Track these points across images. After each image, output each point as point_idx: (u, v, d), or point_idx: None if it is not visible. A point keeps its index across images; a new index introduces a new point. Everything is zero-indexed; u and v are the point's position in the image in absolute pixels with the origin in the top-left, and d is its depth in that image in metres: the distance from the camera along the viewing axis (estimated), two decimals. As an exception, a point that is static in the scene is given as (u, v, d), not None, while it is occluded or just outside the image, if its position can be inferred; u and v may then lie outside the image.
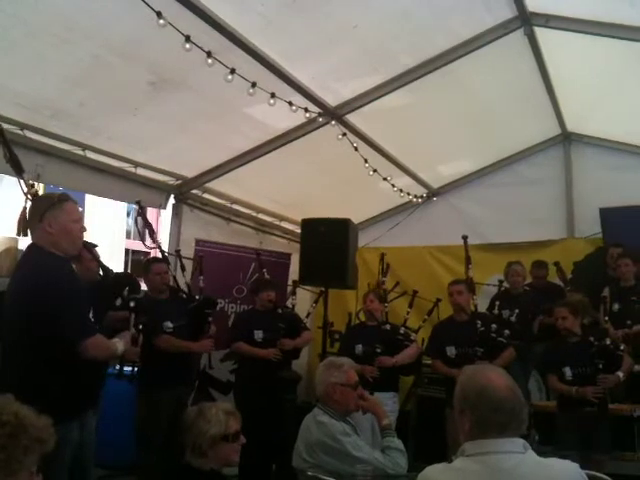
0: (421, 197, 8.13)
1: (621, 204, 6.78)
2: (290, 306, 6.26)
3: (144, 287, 5.25)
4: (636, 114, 6.25)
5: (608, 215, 6.89)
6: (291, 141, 5.97)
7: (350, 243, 6.31)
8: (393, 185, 7.23)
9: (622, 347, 5.08)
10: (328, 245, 6.13)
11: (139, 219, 5.67)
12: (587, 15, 4.79)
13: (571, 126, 7.38)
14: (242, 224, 7.25)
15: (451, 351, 5.45)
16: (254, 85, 4.62)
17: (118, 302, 4.18)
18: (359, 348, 5.58)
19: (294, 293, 6.47)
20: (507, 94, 6.20)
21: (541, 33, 5.24)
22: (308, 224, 6.46)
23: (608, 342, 5.01)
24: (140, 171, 5.74)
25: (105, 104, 4.74)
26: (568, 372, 4.91)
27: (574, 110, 6.84)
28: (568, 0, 4.82)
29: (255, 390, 5.45)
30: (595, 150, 7.44)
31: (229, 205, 6.99)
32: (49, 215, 3.15)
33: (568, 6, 4.85)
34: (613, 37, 4.77)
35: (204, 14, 3.95)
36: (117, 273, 4.67)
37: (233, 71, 4.38)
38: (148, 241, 5.66)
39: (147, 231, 5.58)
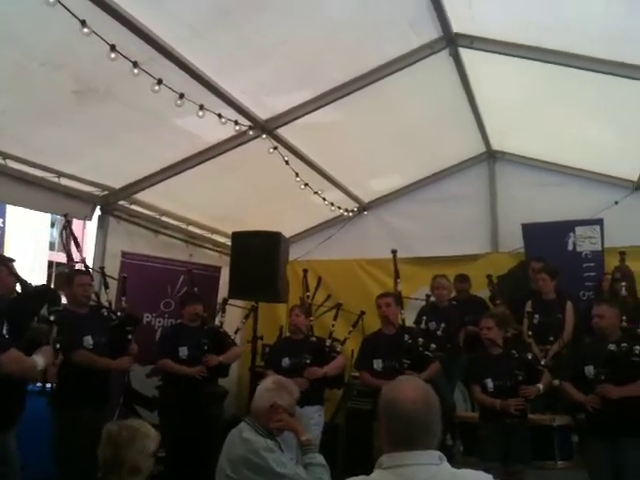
0: (352, 211, 8.22)
1: (542, 220, 7.03)
2: (219, 323, 6.17)
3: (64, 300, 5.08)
4: (556, 133, 6.52)
5: (529, 230, 7.12)
6: (222, 153, 5.92)
7: (281, 256, 6.30)
8: (324, 199, 7.27)
9: (543, 362, 5.28)
10: (259, 258, 6.10)
11: (64, 232, 5.51)
12: (509, 38, 4.97)
13: (495, 144, 7.60)
14: (171, 236, 7.12)
15: (378, 364, 5.50)
16: (182, 96, 4.58)
17: (39, 315, 4.07)
18: (286, 361, 5.60)
19: (224, 310, 6.38)
20: (434, 112, 6.34)
21: (466, 54, 5.38)
22: (239, 237, 6.42)
23: (530, 357, 5.20)
24: (64, 181, 5.57)
25: (27, 113, 4.61)
26: (490, 384, 5.06)
27: (498, 129, 7.07)
28: (492, 23, 4.97)
29: (180, 406, 5.37)
30: (518, 168, 7.68)
31: (158, 217, 6.85)
32: None
33: (492, 28, 5.01)
34: (533, 59, 4.97)
35: (131, 24, 3.90)
36: (36, 286, 4.53)
37: (160, 82, 4.34)
38: (75, 255, 5.50)
39: (73, 245, 5.44)
